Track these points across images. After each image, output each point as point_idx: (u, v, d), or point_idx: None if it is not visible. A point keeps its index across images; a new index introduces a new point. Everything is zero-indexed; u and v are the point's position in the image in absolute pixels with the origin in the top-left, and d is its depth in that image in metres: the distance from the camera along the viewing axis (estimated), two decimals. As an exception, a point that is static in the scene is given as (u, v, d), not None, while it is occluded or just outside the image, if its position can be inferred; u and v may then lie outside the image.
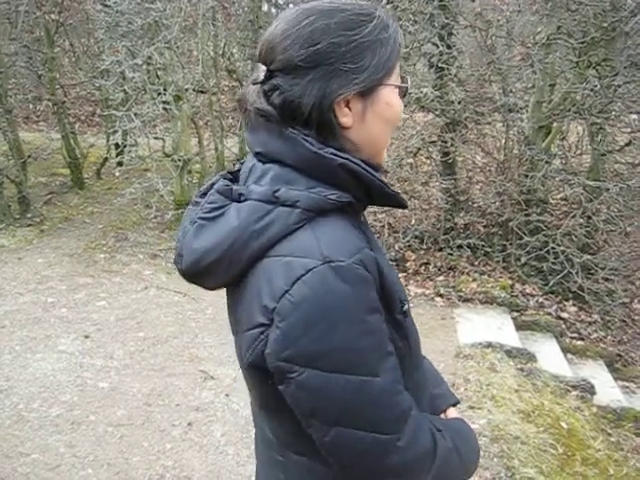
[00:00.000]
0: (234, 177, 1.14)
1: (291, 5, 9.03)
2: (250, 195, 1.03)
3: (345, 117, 1.04)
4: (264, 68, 1.05)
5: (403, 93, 1.11)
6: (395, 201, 1.11)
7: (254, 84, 1.06)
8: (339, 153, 1.02)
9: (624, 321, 5.55)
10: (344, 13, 1.03)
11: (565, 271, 5.29)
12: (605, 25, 5.10)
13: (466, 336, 4.59)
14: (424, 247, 5.79)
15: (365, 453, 1.01)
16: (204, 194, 1.11)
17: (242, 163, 1.15)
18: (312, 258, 0.96)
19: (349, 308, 0.96)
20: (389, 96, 1.07)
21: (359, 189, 1.05)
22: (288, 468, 1.15)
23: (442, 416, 1.32)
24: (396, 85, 1.09)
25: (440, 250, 5.79)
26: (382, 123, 1.08)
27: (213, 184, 1.12)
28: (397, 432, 1.02)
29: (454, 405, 1.36)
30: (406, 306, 1.09)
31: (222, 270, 1.04)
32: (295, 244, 0.99)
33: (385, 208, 5.79)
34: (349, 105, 1.04)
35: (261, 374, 1.04)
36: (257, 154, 1.08)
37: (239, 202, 1.05)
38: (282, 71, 1.02)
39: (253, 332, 1.01)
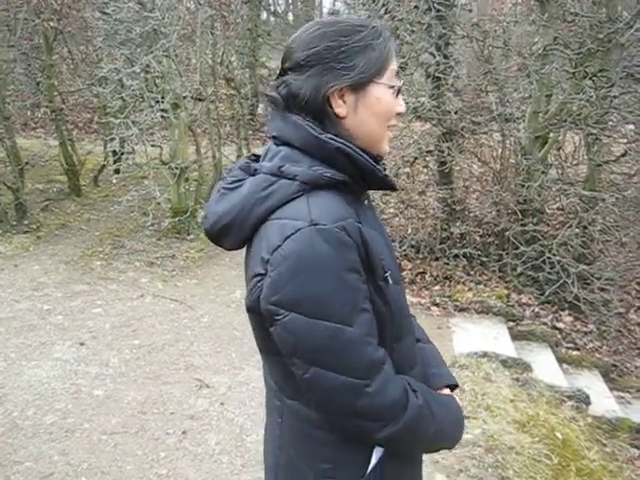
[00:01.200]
0: (257, 158, 1.34)
1: (290, 14, 9.08)
2: (261, 169, 1.26)
3: (339, 108, 1.25)
4: (280, 67, 1.29)
5: (397, 92, 1.30)
6: (386, 184, 1.30)
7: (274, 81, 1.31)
8: (336, 138, 1.22)
9: (620, 331, 5.55)
10: (343, 24, 1.26)
11: (561, 281, 5.30)
12: (601, 36, 5.13)
13: (462, 346, 4.59)
14: (420, 256, 5.79)
15: (336, 393, 1.18)
16: (230, 170, 1.35)
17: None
18: (302, 221, 1.16)
19: (328, 263, 1.14)
20: (379, 92, 1.26)
21: (354, 171, 1.24)
22: (284, 412, 1.33)
23: None
24: (388, 84, 1.27)
25: (436, 259, 5.79)
26: (372, 115, 1.27)
27: (238, 163, 1.35)
28: (367, 378, 1.18)
29: (450, 387, 1.49)
30: (388, 274, 1.24)
31: (235, 231, 1.26)
32: (291, 209, 1.19)
33: (382, 217, 5.80)
34: (343, 98, 1.25)
35: (258, 318, 1.24)
36: (273, 137, 1.29)
37: (254, 176, 1.27)
38: (291, 69, 1.26)
39: (253, 281, 1.21)
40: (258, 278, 1.20)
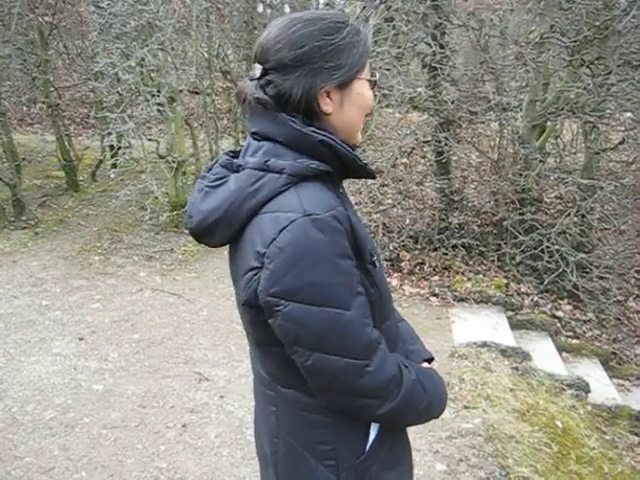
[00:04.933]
0: (235, 155, 1.36)
1: (286, 6, 9.02)
2: (246, 165, 1.27)
3: (327, 105, 1.28)
4: (259, 67, 1.29)
5: (372, 85, 1.35)
6: (365, 172, 1.35)
7: (251, 80, 1.31)
8: (319, 131, 1.26)
9: (619, 319, 5.56)
10: (324, 21, 1.27)
11: (560, 270, 5.30)
12: (598, 24, 5.11)
13: (461, 336, 4.59)
14: (419, 247, 5.79)
15: (339, 375, 1.23)
16: (210, 169, 1.35)
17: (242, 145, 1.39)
18: (295, 212, 1.19)
19: (324, 251, 1.18)
20: (361, 88, 1.32)
21: (335, 161, 1.28)
22: (278, 401, 1.36)
23: None
24: (367, 79, 1.33)
25: (435, 250, 5.79)
26: (356, 109, 1.33)
27: (217, 161, 1.36)
28: (366, 358, 1.23)
29: (428, 360, 1.55)
30: (375, 257, 1.29)
31: (224, 227, 1.28)
32: (282, 202, 1.22)
33: (379, 208, 5.80)
34: (330, 96, 1.28)
35: (254, 311, 1.26)
36: (253, 134, 1.31)
37: (237, 172, 1.29)
38: (275, 69, 1.26)
39: (248, 275, 1.24)
40: (254, 272, 1.22)
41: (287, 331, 1.22)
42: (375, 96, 1.59)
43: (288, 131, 1.25)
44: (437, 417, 1.47)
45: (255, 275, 1.22)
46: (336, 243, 1.19)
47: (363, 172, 1.35)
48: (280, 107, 1.27)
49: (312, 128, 1.26)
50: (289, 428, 1.37)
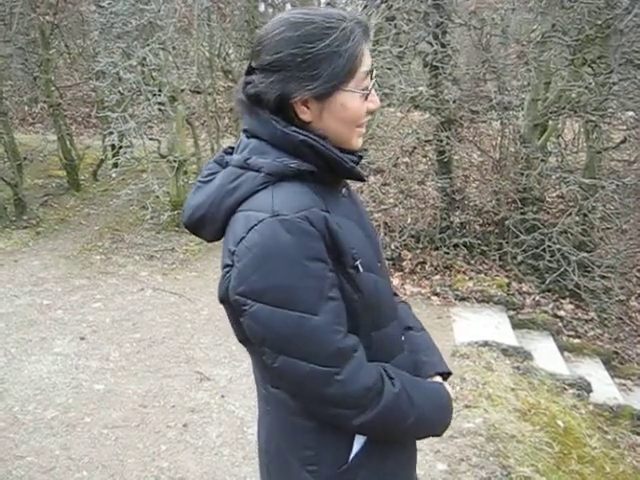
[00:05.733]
0: (232, 151, 1.35)
1: (288, 5, 9.01)
2: (231, 162, 1.27)
3: (304, 114, 1.24)
4: (249, 64, 1.28)
5: (364, 97, 1.26)
6: (352, 174, 1.29)
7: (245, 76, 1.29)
8: (299, 131, 1.22)
9: (621, 318, 5.55)
10: (310, 26, 1.20)
11: (561, 269, 5.29)
12: (600, 22, 5.10)
13: (462, 335, 4.59)
14: (420, 246, 5.78)
15: (306, 381, 1.20)
16: (208, 164, 1.36)
17: None
18: (265, 212, 1.17)
19: (290, 253, 1.15)
20: (345, 99, 1.24)
21: (320, 162, 1.24)
22: (270, 400, 1.35)
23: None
24: (354, 90, 1.24)
25: (436, 249, 5.78)
26: (338, 122, 1.26)
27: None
28: (336, 366, 1.18)
29: (442, 374, 1.48)
30: (358, 261, 1.23)
31: (209, 223, 1.28)
32: (256, 201, 1.21)
33: (381, 207, 5.80)
34: (307, 105, 1.23)
35: (230, 309, 1.27)
36: (244, 131, 1.30)
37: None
38: (258, 69, 1.25)
39: (223, 271, 1.24)
40: (227, 269, 1.22)
41: (254, 331, 1.21)
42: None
43: (271, 130, 1.23)
44: (439, 435, 1.42)
45: (227, 273, 1.22)
46: (305, 245, 1.16)
47: (350, 174, 1.30)
48: (257, 107, 1.25)
49: (293, 128, 1.23)
50: (280, 429, 1.35)
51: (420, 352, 1.47)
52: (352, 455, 1.30)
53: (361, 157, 1.34)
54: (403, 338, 1.44)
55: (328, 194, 1.27)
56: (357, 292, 1.24)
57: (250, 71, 1.27)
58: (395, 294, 1.51)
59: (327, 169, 1.25)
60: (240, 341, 1.36)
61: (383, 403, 1.22)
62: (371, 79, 1.27)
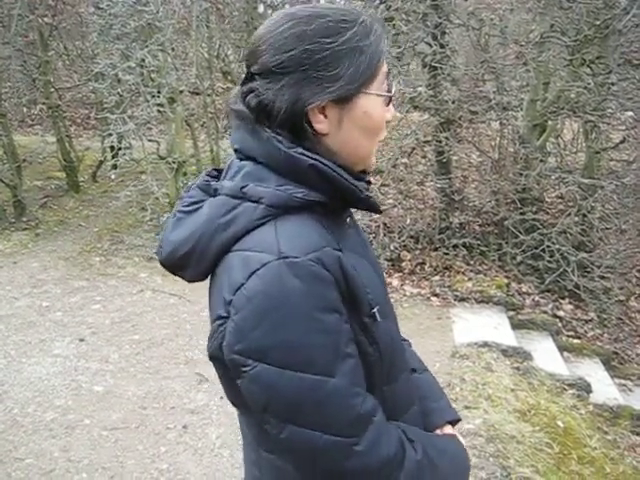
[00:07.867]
0: (219, 174, 1.15)
1: (287, 6, 9.01)
2: (222, 190, 1.06)
3: (320, 124, 1.04)
4: (246, 70, 1.08)
5: (387, 101, 1.10)
6: (368, 204, 1.10)
7: (240, 86, 1.09)
8: (308, 153, 1.02)
9: (620, 319, 5.55)
10: (324, 19, 1.01)
11: (561, 269, 5.29)
12: (598, 23, 5.09)
13: (462, 336, 4.58)
14: (419, 247, 5.78)
15: (320, 455, 1.00)
16: (189, 189, 1.14)
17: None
18: (269, 253, 0.97)
19: (300, 304, 0.95)
20: (368, 105, 1.06)
21: (330, 190, 1.05)
22: (262, 466, 1.15)
23: (437, 432, 1.29)
24: (378, 94, 1.07)
25: (436, 250, 5.78)
26: (360, 131, 1.07)
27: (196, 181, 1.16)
28: (354, 436, 1.00)
29: (452, 422, 1.33)
30: (375, 309, 1.06)
31: (194, 262, 1.07)
32: (256, 239, 1.00)
33: (380, 208, 5.78)
34: (325, 112, 1.04)
35: (222, 367, 1.07)
36: (235, 151, 1.10)
37: (214, 197, 1.07)
38: (260, 74, 1.04)
39: (215, 324, 1.05)
40: (220, 321, 1.03)
41: (255, 397, 1.01)
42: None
43: (272, 151, 1.03)
44: None
45: (221, 326, 1.02)
46: (317, 294, 0.96)
47: (365, 204, 1.09)
48: (261, 121, 1.04)
49: (300, 149, 1.02)
50: None
51: (427, 397, 1.32)
52: None
53: (369, 182, 1.15)
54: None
55: (335, 226, 1.08)
56: (373, 344, 1.06)
57: (249, 78, 1.07)
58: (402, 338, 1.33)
59: (337, 198, 1.06)
60: (233, 404, 1.16)
61: (405, 472, 1.04)
62: (389, 83, 1.10)
